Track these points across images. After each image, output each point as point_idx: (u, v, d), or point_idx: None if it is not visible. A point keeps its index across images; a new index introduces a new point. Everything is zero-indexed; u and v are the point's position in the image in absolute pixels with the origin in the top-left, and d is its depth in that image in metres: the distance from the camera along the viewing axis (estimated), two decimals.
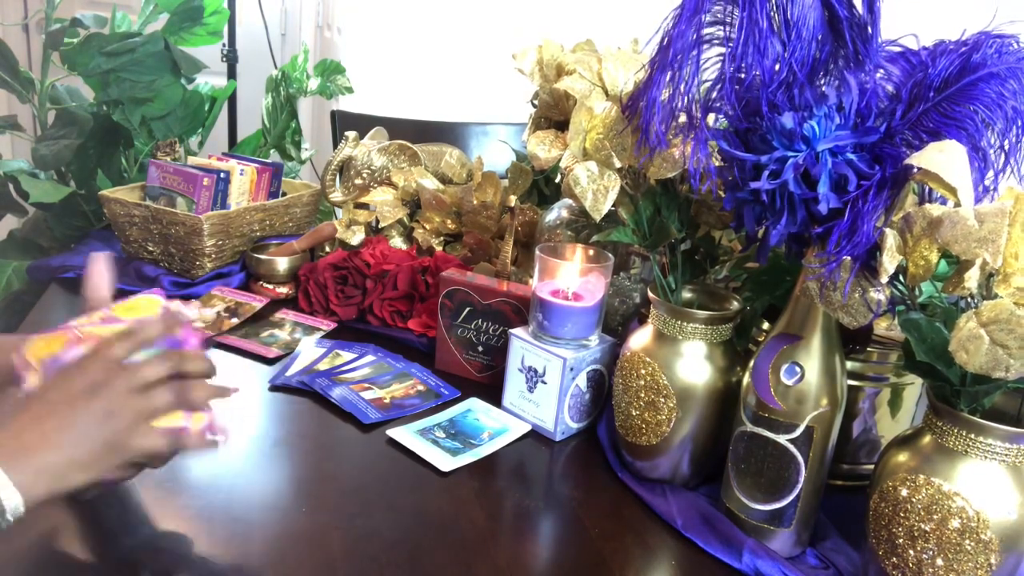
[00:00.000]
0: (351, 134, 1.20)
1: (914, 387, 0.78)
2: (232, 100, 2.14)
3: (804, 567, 0.67)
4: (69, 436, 0.54)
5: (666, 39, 0.63)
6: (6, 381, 0.68)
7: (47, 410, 0.55)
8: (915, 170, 0.54)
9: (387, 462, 0.78)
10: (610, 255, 0.84)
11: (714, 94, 0.63)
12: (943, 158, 0.53)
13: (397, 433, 0.81)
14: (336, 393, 0.88)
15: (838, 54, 0.62)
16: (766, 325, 0.79)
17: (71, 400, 0.56)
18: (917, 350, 0.57)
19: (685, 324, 0.72)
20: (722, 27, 0.62)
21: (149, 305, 0.66)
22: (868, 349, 0.75)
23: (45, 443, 0.53)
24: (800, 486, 0.66)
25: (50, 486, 0.53)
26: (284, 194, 1.32)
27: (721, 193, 0.65)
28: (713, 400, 0.73)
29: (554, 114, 1.01)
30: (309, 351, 0.98)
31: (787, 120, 0.59)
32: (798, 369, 0.64)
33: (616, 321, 0.96)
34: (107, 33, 1.54)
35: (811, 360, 0.64)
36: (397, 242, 1.20)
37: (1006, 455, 0.55)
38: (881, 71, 0.61)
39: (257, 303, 1.09)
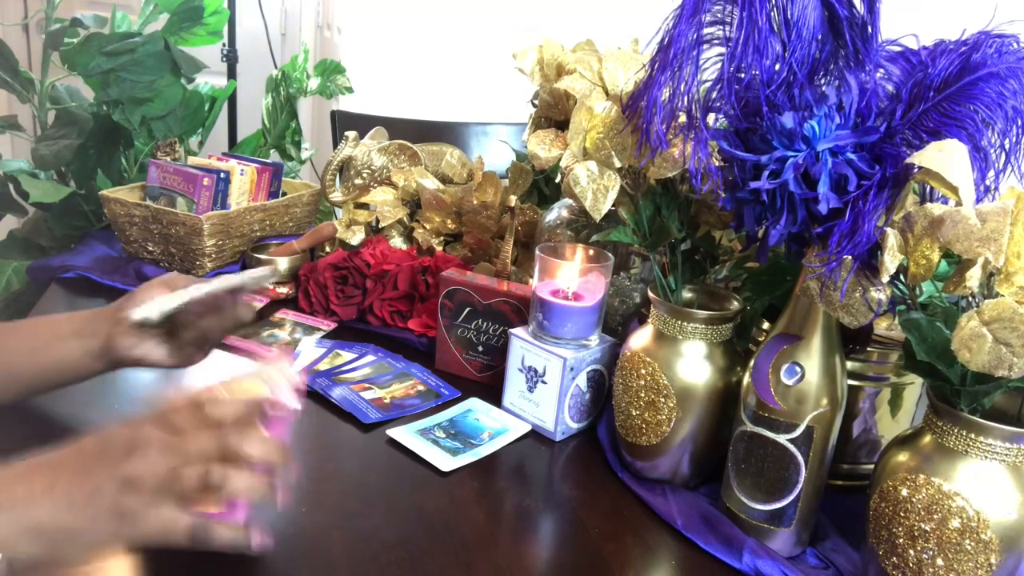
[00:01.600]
0: (351, 134, 1.20)
1: (914, 387, 0.78)
2: (232, 100, 2.14)
3: (804, 567, 0.67)
4: (74, 495, 0.48)
5: (666, 39, 0.63)
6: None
7: (71, 461, 0.50)
8: (916, 169, 0.54)
9: (387, 462, 0.78)
10: (610, 255, 0.84)
11: (714, 94, 0.63)
12: (944, 157, 0.53)
13: (397, 433, 0.81)
14: (336, 393, 0.88)
15: (838, 54, 0.61)
16: (766, 325, 0.79)
17: (100, 456, 0.50)
18: (918, 350, 0.57)
19: (685, 324, 0.72)
20: (722, 27, 0.62)
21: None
22: (868, 349, 0.75)
23: (44, 498, 0.47)
24: (800, 486, 0.66)
25: (37, 548, 0.47)
26: (284, 194, 1.32)
27: (721, 193, 0.65)
28: (713, 400, 0.73)
29: (554, 114, 1.01)
30: (309, 351, 0.98)
31: (787, 120, 0.58)
32: (798, 369, 0.64)
33: (616, 321, 0.96)
34: (107, 33, 1.54)
35: (811, 360, 0.64)
36: (397, 242, 1.19)
37: (1006, 455, 0.55)
38: (881, 71, 0.61)
39: (257, 303, 1.09)
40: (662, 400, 0.73)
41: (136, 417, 0.53)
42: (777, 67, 0.60)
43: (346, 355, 0.97)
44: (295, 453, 0.78)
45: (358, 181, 1.21)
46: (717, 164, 0.65)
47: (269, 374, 0.59)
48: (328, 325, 1.06)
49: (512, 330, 0.87)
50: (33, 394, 0.75)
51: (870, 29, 0.60)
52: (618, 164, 0.75)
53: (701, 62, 0.63)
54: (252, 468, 0.53)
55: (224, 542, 0.52)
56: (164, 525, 0.50)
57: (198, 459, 0.51)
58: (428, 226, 1.18)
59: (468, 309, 0.94)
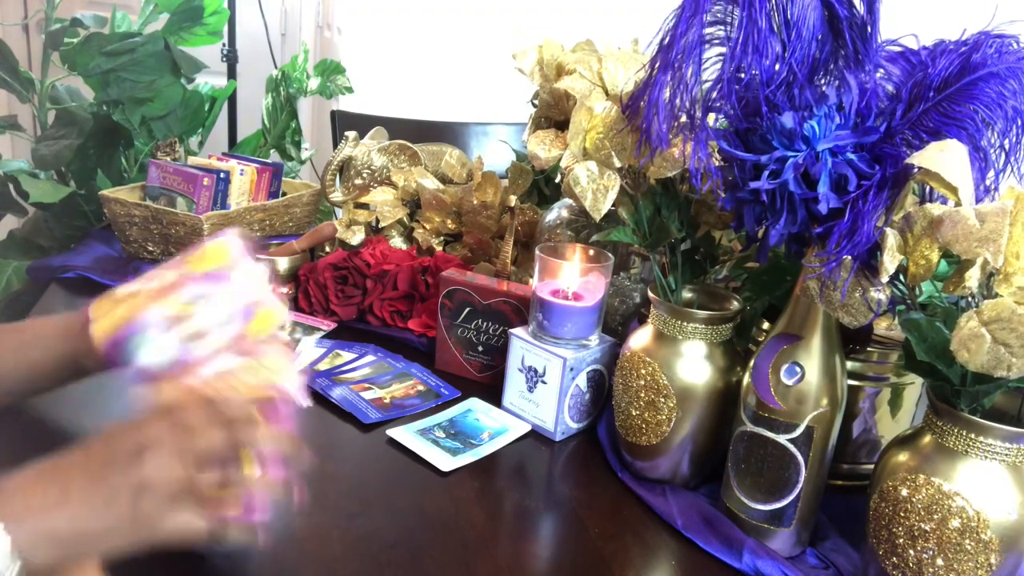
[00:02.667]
0: (351, 134, 1.20)
1: (914, 387, 0.78)
2: (232, 100, 2.14)
3: (804, 567, 0.67)
4: (90, 502, 0.47)
5: (667, 39, 0.63)
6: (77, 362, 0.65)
7: (81, 466, 0.49)
8: (916, 169, 0.54)
9: (387, 462, 0.78)
10: (610, 255, 0.84)
11: (714, 94, 0.63)
12: (944, 157, 0.53)
13: (397, 433, 0.81)
14: (336, 393, 0.88)
15: (838, 54, 0.61)
16: (766, 325, 0.79)
17: (111, 460, 0.49)
18: (917, 350, 0.57)
19: (685, 324, 0.72)
20: (722, 27, 0.62)
21: (220, 254, 0.59)
22: (868, 349, 0.75)
23: (61, 506, 0.47)
24: (800, 486, 0.66)
25: (55, 553, 0.46)
26: (284, 194, 1.32)
27: (721, 193, 0.65)
28: (713, 400, 0.73)
29: (554, 114, 1.01)
30: (309, 351, 0.98)
31: (787, 120, 0.59)
32: (798, 369, 0.64)
33: (616, 321, 0.96)
34: (107, 33, 1.54)
35: (811, 360, 0.64)
36: (397, 242, 1.20)
37: (1006, 455, 0.55)
38: (881, 71, 0.61)
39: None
40: (662, 400, 0.73)
41: (142, 416, 0.52)
42: (777, 67, 0.60)
43: (346, 355, 0.97)
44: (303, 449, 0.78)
45: (358, 181, 1.21)
46: (717, 164, 0.65)
47: (275, 363, 0.58)
48: (328, 325, 1.06)
49: (512, 330, 0.87)
50: (21, 397, 0.73)
51: (870, 29, 0.60)
52: (618, 164, 0.75)
53: (702, 62, 0.63)
54: (265, 464, 0.52)
55: (238, 542, 0.52)
56: (181, 527, 0.50)
57: (210, 458, 0.51)
58: (428, 226, 1.18)
59: (468, 309, 0.94)
